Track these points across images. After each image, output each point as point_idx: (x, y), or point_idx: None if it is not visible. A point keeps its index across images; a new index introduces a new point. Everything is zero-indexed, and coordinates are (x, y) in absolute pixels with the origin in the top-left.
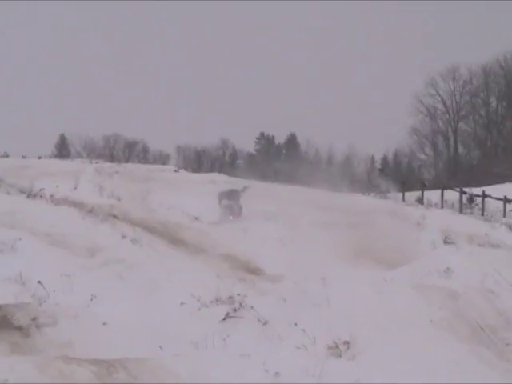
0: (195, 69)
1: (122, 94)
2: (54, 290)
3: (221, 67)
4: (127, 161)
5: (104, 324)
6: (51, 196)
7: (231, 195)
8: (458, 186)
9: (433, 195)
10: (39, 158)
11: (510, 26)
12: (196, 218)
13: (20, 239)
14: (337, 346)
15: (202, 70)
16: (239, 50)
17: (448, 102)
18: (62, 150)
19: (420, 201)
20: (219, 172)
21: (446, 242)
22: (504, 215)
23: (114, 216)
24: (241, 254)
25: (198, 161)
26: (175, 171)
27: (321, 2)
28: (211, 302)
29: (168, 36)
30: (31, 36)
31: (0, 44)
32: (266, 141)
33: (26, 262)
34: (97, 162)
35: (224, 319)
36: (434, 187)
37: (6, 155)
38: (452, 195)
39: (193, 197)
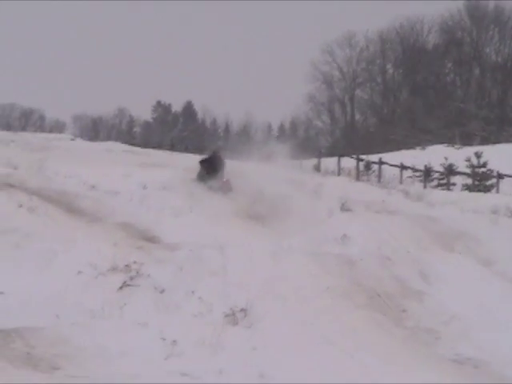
0: (88, 37)
1: (18, 60)
2: None
3: (115, 34)
4: (23, 130)
5: (0, 293)
6: None
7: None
8: (354, 154)
9: (330, 163)
10: None
11: None
12: (93, 187)
13: None
14: (233, 314)
15: (97, 38)
16: (133, 19)
17: (344, 69)
18: None
19: (317, 168)
20: (115, 140)
21: (342, 209)
22: (400, 182)
23: (11, 185)
24: (139, 222)
25: (95, 129)
26: (72, 140)
27: None
28: (108, 270)
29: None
30: None
31: None
32: (162, 109)
33: None
34: None
35: (121, 288)
36: (331, 155)
37: None
38: (349, 162)
39: (89, 166)
